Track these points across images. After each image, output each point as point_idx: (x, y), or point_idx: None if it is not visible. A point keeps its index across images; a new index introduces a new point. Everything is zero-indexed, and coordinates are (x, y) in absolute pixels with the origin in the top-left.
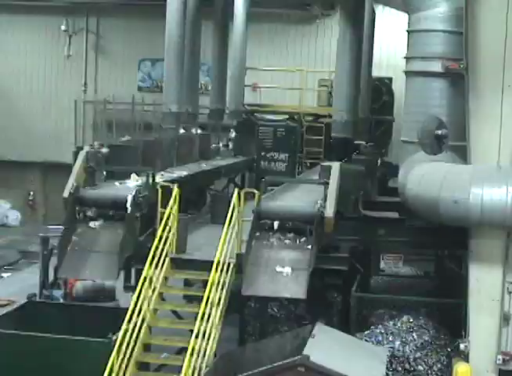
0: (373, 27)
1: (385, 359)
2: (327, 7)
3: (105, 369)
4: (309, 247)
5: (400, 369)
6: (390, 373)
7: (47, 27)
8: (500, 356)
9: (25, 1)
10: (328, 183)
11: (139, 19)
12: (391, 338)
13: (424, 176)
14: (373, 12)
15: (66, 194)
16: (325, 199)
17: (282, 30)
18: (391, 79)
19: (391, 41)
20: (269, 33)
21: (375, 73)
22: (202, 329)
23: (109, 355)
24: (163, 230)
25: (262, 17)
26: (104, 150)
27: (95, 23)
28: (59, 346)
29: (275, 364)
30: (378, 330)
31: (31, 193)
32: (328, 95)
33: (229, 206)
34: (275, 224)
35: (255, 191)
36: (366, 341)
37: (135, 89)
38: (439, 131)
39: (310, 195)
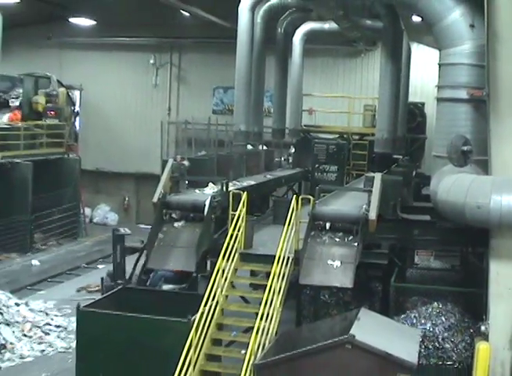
0: (409, 60)
1: (418, 338)
2: (370, 44)
3: (185, 344)
4: (355, 244)
5: (430, 347)
6: (422, 350)
7: (138, 62)
8: None
9: (121, 40)
10: (371, 191)
11: (214, 54)
12: (423, 321)
13: (452, 185)
14: (409, 48)
15: (155, 199)
16: (369, 204)
17: (332, 63)
18: (423, 104)
19: (423, 72)
20: (322, 65)
21: (410, 98)
22: (265, 312)
23: (189, 333)
24: (233, 229)
25: (316, 52)
26: (186, 162)
27: (177, 58)
28: (147, 325)
29: (326, 342)
30: (412, 315)
31: (126, 198)
32: (371, 118)
33: (289, 209)
34: (327, 225)
35: (310, 197)
36: (403, 323)
37: (209, 112)
38: (465, 148)
39: (356, 201)
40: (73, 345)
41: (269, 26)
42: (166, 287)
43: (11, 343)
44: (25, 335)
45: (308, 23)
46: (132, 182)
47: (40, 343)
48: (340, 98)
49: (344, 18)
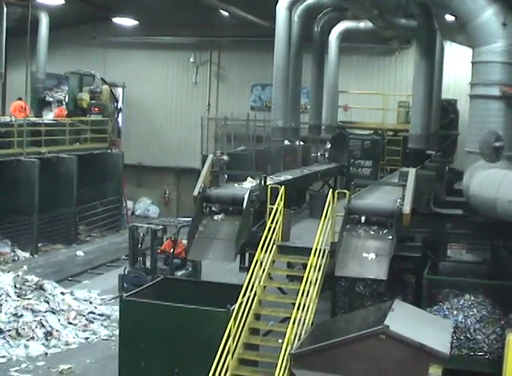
0: (442, 58)
1: (451, 329)
2: (404, 42)
3: (224, 333)
4: (390, 237)
5: (462, 338)
6: (454, 341)
7: (179, 60)
8: None
9: (162, 39)
10: (405, 185)
11: (252, 53)
12: (455, 313)
13: (484, 180)
14: (442, 47)
15: (195, 193)
16: (403, 198)
17: (367, 60)
18: (456, 101)
19: (456, 70)
20: (357, 63)
21: (443, 96)
22: (302, 302)
23: (228, 322)
24: (271, 222)
25: (351, 50)
26: (225, 157)
27: (217, 56)
28: (188, 314)
29: (360, 332)
30: (445, 306)
31: (167, 191)
32: (405, 114)
33: (325, 203)
34: (362, 218)
35: (346, 191)
36: (435, 314)
37: (247, 109)
38: (497, 144)
39: (390, 195)
40: (116, 332)
41: (306, 24)
42: (180, 272)
43: (57, 330)
44: (70, 323)
45: (343, 21)
46: (173, 176)
47: (84, 331)
48: (374, 95)
49: (378, 17)
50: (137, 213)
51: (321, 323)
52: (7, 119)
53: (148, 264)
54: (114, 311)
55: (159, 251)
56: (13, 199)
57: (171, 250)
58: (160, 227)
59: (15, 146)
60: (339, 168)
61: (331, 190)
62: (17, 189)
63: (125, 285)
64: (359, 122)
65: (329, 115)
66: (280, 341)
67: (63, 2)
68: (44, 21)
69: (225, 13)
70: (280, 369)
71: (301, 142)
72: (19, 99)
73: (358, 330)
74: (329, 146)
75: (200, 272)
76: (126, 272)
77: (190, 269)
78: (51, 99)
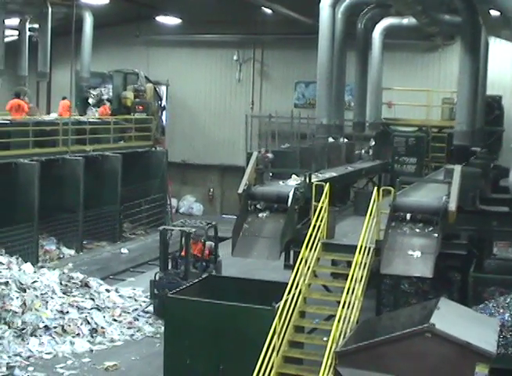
0: (487, 54)
1: (497, 328)
2: (448, 38)
3: (269, 331)
4: (435, 235)
5: (509, 336)
6: (500, 339)
7: (222, 58)
8: None
9: (205, 37)
10: (451, 183)
11: (295, 50)
12: (501, 311)
13: None
14: (487, 42)
15: (240, 190)
16: (449, 195)
17: (411, 57)
18: (501, 97)
19: (501, 65)
20: (401, 59)
21: (488, 92)
22: (347, 300)
23: (273, 320)
24: (316, 220)
25: (395, 47)
26: (270, 155)
27: (260, 54)
28: (233, 312)
29: (406, 331)
30: (491, 304)
31: (211, 189)
32: (450, 111)
33: (369, 201)
34: (408, 216)
35: (391, 188)
36: (481, 313)
37: (291, 106)
38: None
39: (435, 192)
40: (161, 330)
41: (350, 21)
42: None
43: (102, 327)
44: (115, 320)
45: (387, 18)
46: (217, 173)
47: (129, 328)
48: (418, 91)
49: (422, 13)
50: (181, 211)
51: (366, 321)
52: (54, 117)
53: (180, 268)
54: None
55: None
56: (59, 197)
57: (200, 253)
58: (194, 230)
59: (60, 144)
60: (383, 166)
61: (376, 188)
62: (62, 187)
63: (157, 291)
64: (403, 119)
65: (373, 112)
66: (325, 339)
67: (107, 2)
68: (88, 20)
69: (268, 11)
70: (325, 367)
71: (345, 140)
72: (64, 98)
73: (404, 328)
74: (373, 143)
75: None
76: (157, 278)
77: (214, 270)
78: (94, 98)
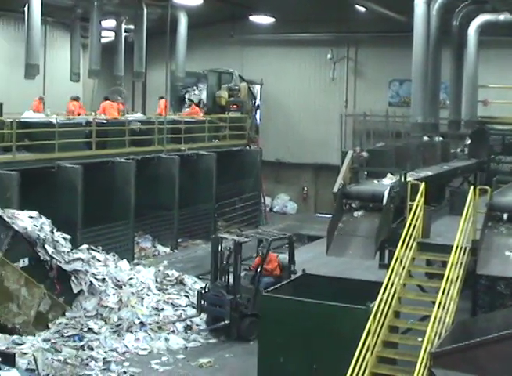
0: None
1: None
2: None
3: (363, 330)
4: None
5: None
6: None
7: (316, 56)
8: None
9: (299, 36)
10: None
11: (389, 48)
12: None
13: None
14: None
15: (335, 189)
16: None
17: (507, 54)
18: None
19: None
20: (496, 56)
21: None
22: (442, 301)
23: (367, 319)
24: (411, 219)
25: (490, 44)
26: (364, 153)
27: (354, 52)
28: (328, 311)
29: (501, 333)
30: None
31: (305, 188)
32: None
33: (465, 200)
34: (505, 215)
35: (487, 188)
36: None
37: (385, 104)
38: None
39: None
40: None
41: (444, 18)
42: None
43: (197, 325)
44: None
45: (482, 14)
46: (311, 172)
47: None
48: None
49: None
50: (275, 209)
51: (461, 322)
52: (151, 117)
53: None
54: None
55: (250, 267)
56: (154, 195)
57: (259, 267)
58: (246, 240)
59: (155, 143)
60: (479, 164)
61: (472, 187)
62: (158, 185)
63: (204, 303)
64: (500, 117)
65: (468, 110)
66: (420, 339)
67: (201, 2)
68: (183, 21)
69: (362, 9)
70: (420, 368)
71: (440, 138)
72: (161, 97)
73: (499, 330)
74: (468, 141)
75: None
76: (206, 290)
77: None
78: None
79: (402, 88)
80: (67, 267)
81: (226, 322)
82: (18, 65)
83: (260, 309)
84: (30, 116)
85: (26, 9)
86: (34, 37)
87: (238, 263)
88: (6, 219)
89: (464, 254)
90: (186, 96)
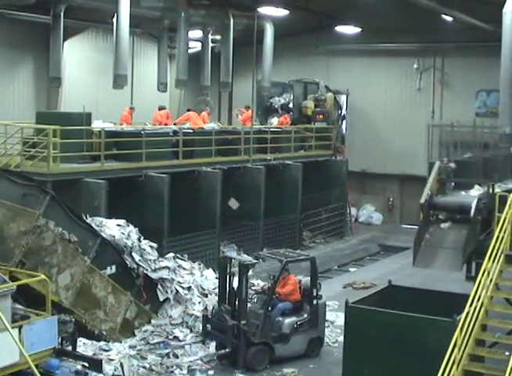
0: None
1: None
2: None
3: (449, 343)
4: None
5: None
6: None
7: (402, 66)
8: None
9: (385, 46)
10: None
11: (476, 58)
12: None
13: None
14: None
15: (422, 200)
16: None
17: None
18: None
19: None
20: None
21: None
22: None
23: (454, 332)
24: (499, 231)
25: None
26: (452, 164)
27: (440, 62)
28: (413, 323)
29: None
30: None
31: (391, 198)
32: None
33: None
34: None
35: None
36: None
37: (472, 115)
38: None
39: None
40: (340, 339)
41: None
42: (288, 320)
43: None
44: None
45: None
46: (396, 183)
47: None
48: None
49: None
50: (360, 220)
51: None
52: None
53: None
54: (338, 317)
55: (262, 290)
56: (240, 205)
57: (270, 290)
58: (253, 262)
59: (242, 153)
60: None
61: None
62: (244, 194)
63: (209, 327)
64: None
65: None
66: (507, 353)
67: (288, 12)
68: (269, 31)
69: (449, 18)
70: None
71: None
72: (247, 107)
73: None
74: None
75: (318, 322)
76: (213, 313)
77: (306, 315)
78: (276, 107)
79: (489, 99)
80: (154, 275)
81: (227, 350)
82: (106, 75)
83: (344, 319)
84: (99, 125)
85: (114, 20)
86: (122, 48)
87: (243, 286)
88: (94, 227)
89: None
90: (275, 105)
